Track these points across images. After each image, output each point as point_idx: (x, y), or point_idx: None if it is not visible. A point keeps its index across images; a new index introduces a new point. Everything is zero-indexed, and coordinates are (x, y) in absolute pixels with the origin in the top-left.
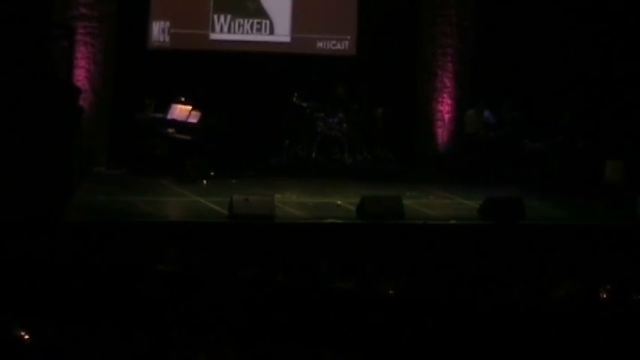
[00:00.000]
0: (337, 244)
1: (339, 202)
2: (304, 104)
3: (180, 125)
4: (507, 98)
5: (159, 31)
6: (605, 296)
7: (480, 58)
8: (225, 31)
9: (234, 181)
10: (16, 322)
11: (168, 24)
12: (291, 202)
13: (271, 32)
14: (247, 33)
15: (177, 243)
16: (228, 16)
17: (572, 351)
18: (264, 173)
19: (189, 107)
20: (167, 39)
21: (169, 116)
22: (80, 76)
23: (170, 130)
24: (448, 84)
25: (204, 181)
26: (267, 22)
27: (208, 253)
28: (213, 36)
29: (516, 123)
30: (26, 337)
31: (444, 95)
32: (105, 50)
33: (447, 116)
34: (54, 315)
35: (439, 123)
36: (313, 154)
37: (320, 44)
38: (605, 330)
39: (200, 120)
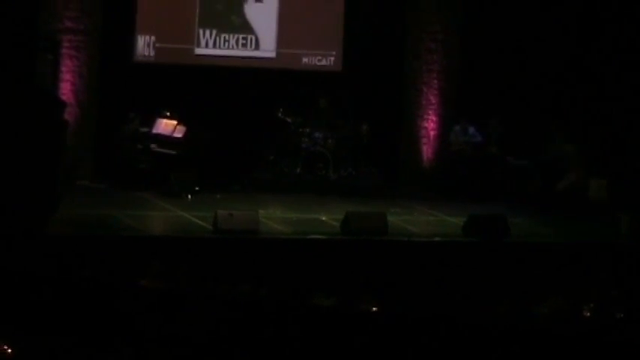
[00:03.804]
0: (321, 259)
1: (323, 218)
2: (289, 119)
3: (166, 139)
4: (494, 115)
5: (144, 45)
6: (588, 314)
7: (467, 74)
8: (211, 46)
9: (218, 196)
10: None
11: (153, 38)
12: (276, 217)
13: (257, 47)
14: (232, 48)
15: (161, 258)
16: (214, 31)
17: None
18: (248, 188)
19: (175, 122)
20: (152, 53)
21: (154, 130)
22: (65, 90)
23: (155, 145)
24: (433, 100)
25: (189, 196)
26: (253, 37)
27: (192, 268)
28: (199, 51)
29: (502, 140)
30: (9, 350)
31: (430, 112)
32: (90, 64)
33: (432, 133)
34: (36, 328)
35: (424, 140)
36: (298, 170)
37: (305, 60)
38: (588, 348)
39: (185, 134)
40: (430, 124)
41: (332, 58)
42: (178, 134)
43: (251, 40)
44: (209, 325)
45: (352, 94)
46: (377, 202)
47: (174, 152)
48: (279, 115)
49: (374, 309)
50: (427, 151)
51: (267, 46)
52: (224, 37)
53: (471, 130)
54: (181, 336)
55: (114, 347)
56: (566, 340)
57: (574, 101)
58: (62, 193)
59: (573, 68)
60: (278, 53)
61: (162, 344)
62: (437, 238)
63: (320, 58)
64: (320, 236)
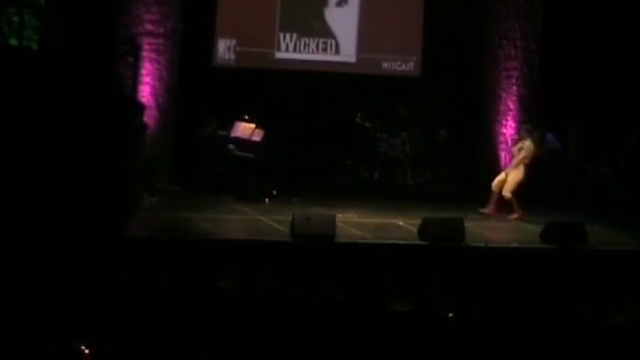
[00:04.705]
0: (398, 265)
1: (400, 223)
2: (367, 124)
3: (243, 143)
4: (573, 122)
5: (225, 48)
6: None
7: (546, 81)
8: (291, 50)
9: (295, 200)
10: (76, 337)
11: (234, 42)
12: (353, 222)
13: (337, 52)
14: (313, 52)
15: (238, 261)
16: (294, 35)
17: None
18: (326, 193)
19: (253, 125)
20: (233, 57)
21: (233, 134)
22: (145, 93)
23: (233, 148)
24: (512, 106)
25: (266, 200)
26: (333, 41)
27: (269, 272)
28: (279, 55)
29: (582, 147)
30: (86, 351)
31: (508, 118)
32: (170, 67)
33: (510, 139)
34: (113, 330)
35: (502, 146)
36: (375, 175)
37: (385, 65)
38: None
39: (263, 138)
40: (509, 130)
41: (412, 64)
42: (256, 138)
43: (331, 44)
44: (286, 329)
45: (431, 99)
46: (454, 207)
47: (252, 156)
48: (358, 119)
49: (451, 315)
50: (505, 157)
51: (347, 51)
52: (304, 42)
53: (549, 136)
54: (258, 339)
55: (191, 349)
56: None
57: None
58: (140, 196)
59: None
60: (358, 58)
61: (238, 347)
62: (514, 245)
63: (400, 63)
64: (397, 241)
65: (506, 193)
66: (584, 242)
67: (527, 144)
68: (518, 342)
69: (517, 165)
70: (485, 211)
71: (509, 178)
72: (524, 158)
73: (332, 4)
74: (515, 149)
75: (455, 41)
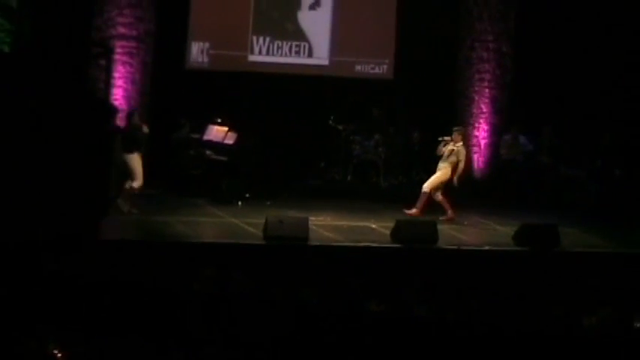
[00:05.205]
0: (371, 267)
1: (373, 226)
2: (340, 127)
3: (217, 146)
4: (547, 124)
5: (198, 51)
6: (639, 325)
7: (519, 82)
8: (264, 53)
9: (269, 202)
10: (50, 338)
11: (207, 45)
12: (326, 224)
13: (310, 55)
14: (286, 55)
15: (212, 263)
16: (267, 38)
17: None
18: (299, 195)
19: (226, 128)
20: (206, 60)
21: (206, 137)
22: (118, 96)
23: (206, 151)
24: (485, 109)
25: (239, 202)
26: (306, 44)
27: (242, 274)
28: (252, 58)
29: (555, 149)
30: (59, 355)
31: (481, 120)
32: (143, 70)
33: (483, 142)
34: (88, 333)
35: (475, 148)
36: (349, 177)
37: (358, 67)
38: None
39: (236, 141)
40: (481, 133)
41: (385, 66)
42: (229, 141)
43: (304, 47)
44: (259, 329)
45: (404, 101)
46: (427, 210)
47: (225, 159)
48: (331, 122)
49: (424, 315)
50: (478, 159)
51: (320, 54)
52: (277, 45)
53: (522, 139)
54: (231, 339)
55: (167, 351)
56: (615, 351)
57: (629, 110)
58: (114, 199)
59: (628, 76)
60: (331, 61)
61: (215, 348)
62: (487, 247)
63: (373, 66)
64: (370, 244)
65: (427, 188)
66: (557, 244)
67: (460, 149)
68: (491, 342)
69: (456, 172)
70: (444, 218)
71: (436, 176)
72: (459, 163)
73: (305, 8)
74: (444, 149)
75: (428, 44)
